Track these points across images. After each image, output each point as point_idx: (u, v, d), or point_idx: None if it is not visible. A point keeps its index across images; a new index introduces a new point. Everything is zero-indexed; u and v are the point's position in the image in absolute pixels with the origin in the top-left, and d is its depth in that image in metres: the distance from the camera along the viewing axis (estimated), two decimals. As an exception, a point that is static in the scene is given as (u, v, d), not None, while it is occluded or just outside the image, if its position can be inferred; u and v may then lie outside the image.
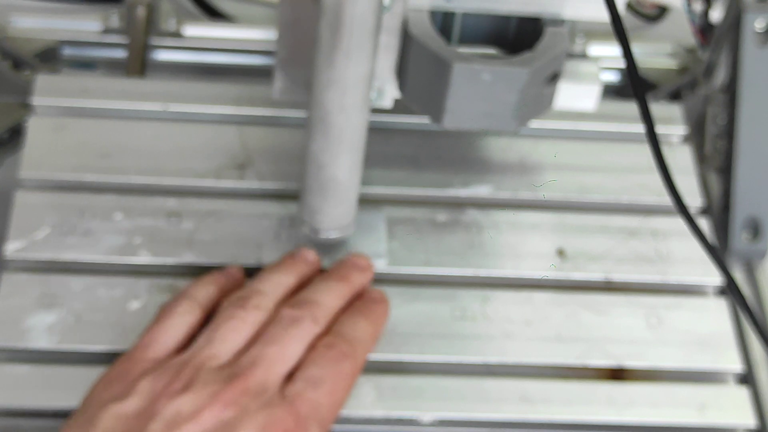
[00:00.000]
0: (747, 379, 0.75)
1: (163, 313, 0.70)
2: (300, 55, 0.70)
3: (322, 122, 0.67)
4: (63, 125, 0.81)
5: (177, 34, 0.94)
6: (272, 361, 0.65)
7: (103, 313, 0.72)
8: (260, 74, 0.94)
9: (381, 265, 0.76)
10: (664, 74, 0.96)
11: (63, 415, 0.69)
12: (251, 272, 0.75)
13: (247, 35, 0.95)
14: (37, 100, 0.82)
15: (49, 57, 0.93)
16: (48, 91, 0.82)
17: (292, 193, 0.79)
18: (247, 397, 0.63)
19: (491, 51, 0.75)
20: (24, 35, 0.92)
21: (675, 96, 0.94)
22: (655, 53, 0.97)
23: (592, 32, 0.96)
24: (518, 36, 0.74)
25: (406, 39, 0.69)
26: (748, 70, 0.83)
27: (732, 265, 0.82)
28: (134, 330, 0.72)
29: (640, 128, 0.78)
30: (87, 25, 0.94)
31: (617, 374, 0.74)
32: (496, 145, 0.83)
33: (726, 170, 0.85)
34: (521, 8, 0.70)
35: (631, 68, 0.67)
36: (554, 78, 0.70)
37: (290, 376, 0.66)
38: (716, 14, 0.91)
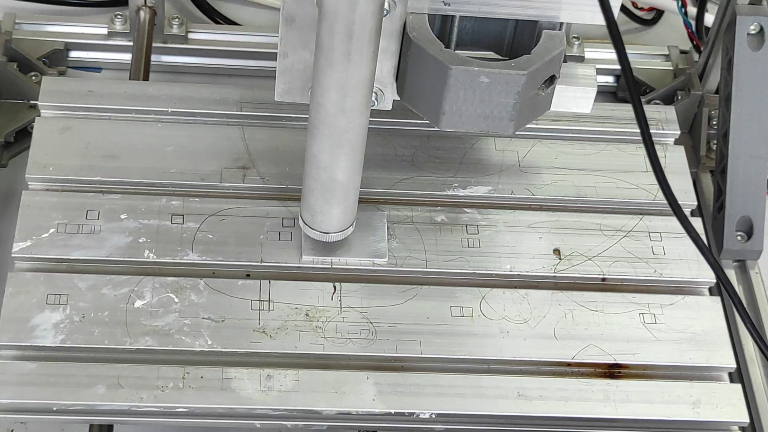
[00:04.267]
0: (739, 376, 0.76)
1: None
2: (302, 58, 0.70)
3: (324, 124, 0.67)
4: (68, 126, 0.81)
5: (181, 38, 0.94)
6: None
7: (108, 311, 0.73)
8: (263, 77, 0.94)
9: (381, 264, 0.77)
10: (658, 76, 0.96)
11: (68, 411, 0.69)
12: (253, 272, 0.75)
13: (251, 39, 0.95)
14: (43, 102, 0.82)
15: (55, 60, 0.93)
16: (54, 94, 0.82)
17: (293, 193, 0.79)
18: None
19: (489, 54, 0.75)
20: (30, 38, 0.92)
21: (670, 98, 0.94)
22: (650, 56, 0.98)
23: (588, 36, 0.97)
24: (516, 40, 0.74)
25: (405, 42, 0.69)
26: (741, 73, 0.83)
27: (725, 264, 0.83)
28: (138, 328, 0.72)
29: (635, 129, 0.78)
30: (92, 28, 0.94)
31: (612, 371, 0.74)
32: (494, 147, 0.83)
33: (720, 171, 0.85)
34: (519, 12, 0.70)
35: (626, 71, 0.67)
36: (551, 81, 0.70)
37: None
38: (710, 18, 0.91)
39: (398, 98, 0.72)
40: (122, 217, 0.77)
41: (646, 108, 0.68)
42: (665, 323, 0.76)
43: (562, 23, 0.71)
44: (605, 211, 0.81)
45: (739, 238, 0.82)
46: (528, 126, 0.73)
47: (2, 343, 0.71)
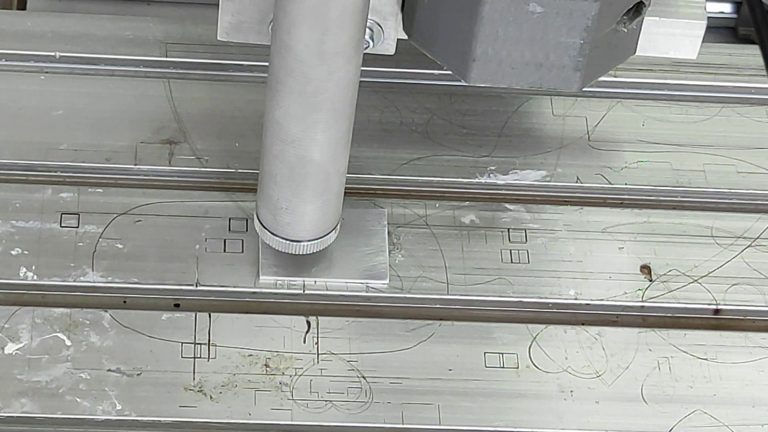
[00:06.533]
0: None
1: None
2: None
3: (292, 77, 0.67)
4: None
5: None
6: None
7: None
8: (199, 3, 0.94)
9: (379, 289, 0.77)
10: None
11: None
12: (185, 300, 0.76)
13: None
14: None
15: None
16: None
17: (245, 181, 0.79)
18: None
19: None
20: None
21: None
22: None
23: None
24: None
25: (417, -48, 0.69)
26: None
27: None
28: (11, 386, 0.72)
29: (765, 84, 0.78)
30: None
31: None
32: (550, 111, 0.84)
33: None
34: None
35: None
36: (637, 11, 0.70)
37: None
38: None
39: (405, 37, 0.72)
40: (-14, 217, 0.77)
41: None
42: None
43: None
44: (719, 208, 0.82)
45: None
46: (602, 79, 0.74)
47: None
